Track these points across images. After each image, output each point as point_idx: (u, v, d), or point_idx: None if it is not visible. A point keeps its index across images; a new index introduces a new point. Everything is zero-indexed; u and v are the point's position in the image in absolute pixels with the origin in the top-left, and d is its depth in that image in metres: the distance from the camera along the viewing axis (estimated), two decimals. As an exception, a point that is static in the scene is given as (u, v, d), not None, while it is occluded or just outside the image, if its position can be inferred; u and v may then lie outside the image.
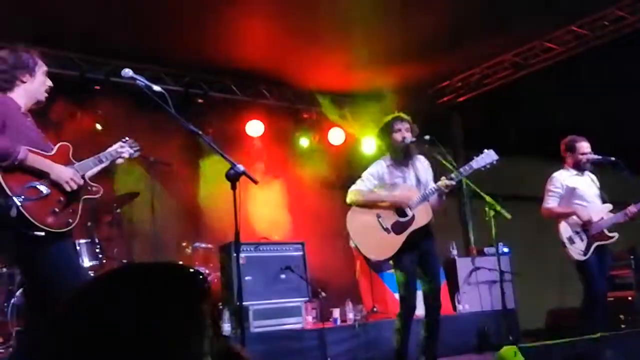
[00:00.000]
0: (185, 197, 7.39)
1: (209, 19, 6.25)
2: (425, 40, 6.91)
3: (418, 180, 4.56)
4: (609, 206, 5.31)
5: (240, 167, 3.30)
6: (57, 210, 3.05)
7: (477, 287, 6.75)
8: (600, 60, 7.33)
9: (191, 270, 1.19)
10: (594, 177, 5.52)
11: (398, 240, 4.35)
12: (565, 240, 5.14)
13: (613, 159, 5.47)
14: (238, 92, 7.87)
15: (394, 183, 4.49)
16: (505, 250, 7.11)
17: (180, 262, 6.32)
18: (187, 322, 1.07)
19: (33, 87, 3.28)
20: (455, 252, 7.40)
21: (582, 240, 5.14)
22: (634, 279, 6.84)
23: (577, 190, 5.26)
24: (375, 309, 6.83)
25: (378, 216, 4.42)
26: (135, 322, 1.02)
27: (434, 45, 7.01)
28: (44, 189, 3.04)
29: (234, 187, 3.30)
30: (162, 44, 6.61)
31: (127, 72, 3.33)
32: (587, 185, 5.36)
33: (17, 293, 5.51)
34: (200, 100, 7.62)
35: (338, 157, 8.67)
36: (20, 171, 2.99)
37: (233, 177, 3.29)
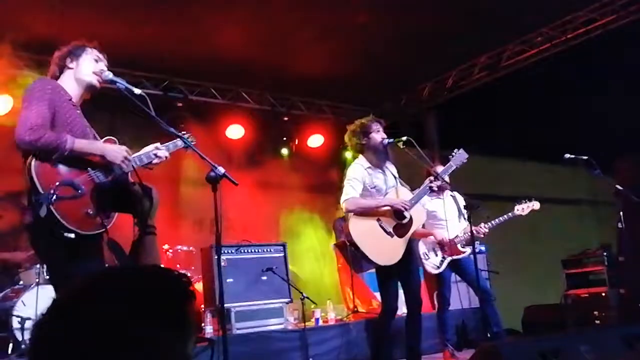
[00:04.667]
0: (166, 199, 7.37)
1: (187, 22, 6.28)
2: (403, 42, 7.02)
3: (396, 180, 4.63)
4: (465, 224, 5.68)
5: (221, 170, 3.28)
6: (90, 212, 2.89)
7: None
8: (573, 61, 7.49)
9: (174, 273, 1.16)
10: (457, 195, 5.85)
11: (402, 242, 4.37)
12: (422, 256, 5.61)
13: (585, 158, 5.66)
14: (218, 95, 7.89)
15: (375, 186, 4.51)
16: (482, 248, 7.22)
17: (162, 266, 6.33)
18: (171, 326, 1.06)
19: (79, 71, 3.20)
20: (433, 251, 7.50)
21: (437, 255, 5.66)
22: (607, 275, 7.00)
23: (434, 213, 5.68)
24: (356, 309, 6.89)
25: (379, 221, 4.39)
26: (117, 326, 1.01)
27: (411, 47, 7.12)
28: (80, 187, 2.88)
29: (214, 190, 3.30)
30: (141, 48, 6.62)
31: (107, 74, 3.29)
32: (446, 206, 5.73)
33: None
34: (179, 104, 7.63)
35: (318, 159, 8.76)
36: (65, 164, 2.88)
37: (213, 180, 3.31)
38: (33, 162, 2.82)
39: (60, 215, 2.77)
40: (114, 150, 3.05)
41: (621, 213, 7.00)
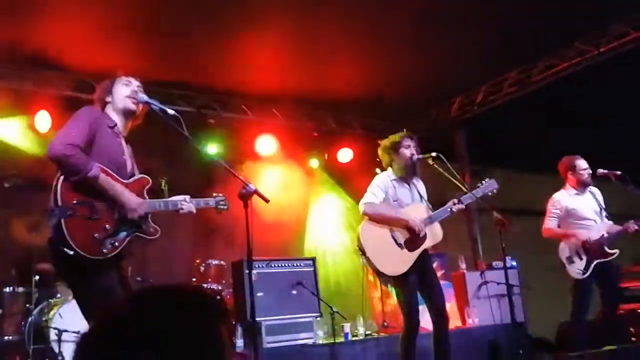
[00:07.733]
0: (198, 214, 7.48)
1: (219, 41, 6.40)
2: (433, 58, 7.03)
3: (421, 197, 4.66)
4: (609, 223, 5.44)
5: (252, 187, 3.41)
6: (97, 236, 2.96)
7: (486, 301, 6.78)
8: (603, 76, 7.39)
9: (207, 292, 1.21)
10: (596, 191, 5.63)
11: (411, 256, 4.40)
12: (565, 260, 5.31)
13: (619, 173, 5.57)
14: (249, 112, 8.00)
15: (397, 199, 4.57)
16: (514, 263, 7.14)
17: (195, 284, 6.41)
18: (205, 345, 1.08)
19: (115, 101, 3.36)
20: (464, 266, 7.45)
21: (582, 259, 5.29)
22: (644, 291, 6.85)
23: (575, 210, 5.39)
24: (385, 324, 6.87)
25: (392, 230, 4.46)
26: (152, 347, 1.03)
27: (441, 62, 7.12)
28: (98, 211, 2.98)
29: (246, 206, 3.41)
30: (174, 66, 6.78)
31: (143, 96, 3.42)
32: (587, 203, 5.48)
33: (34, 312, 5.63)
34: (211, 121, 7.76)
35: (348, 175, 8.78)
36: (87, 188, 2.96)
37: (245, 196, 3.41)
38: (62, 178, 2.94)
39: (66, 231, 2.87)
40: (129, 199, 3.09)
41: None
